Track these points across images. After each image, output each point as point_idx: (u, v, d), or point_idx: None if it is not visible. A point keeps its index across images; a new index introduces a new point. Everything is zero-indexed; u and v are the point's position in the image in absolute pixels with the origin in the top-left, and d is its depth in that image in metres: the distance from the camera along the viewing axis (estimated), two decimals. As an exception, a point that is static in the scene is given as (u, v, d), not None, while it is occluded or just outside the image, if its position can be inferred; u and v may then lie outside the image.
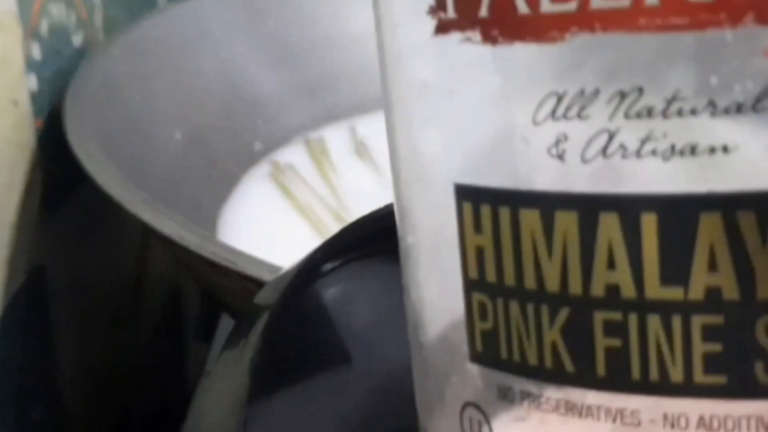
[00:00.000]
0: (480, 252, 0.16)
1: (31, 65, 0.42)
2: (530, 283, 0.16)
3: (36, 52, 0.43)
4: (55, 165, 0.43)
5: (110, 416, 0.50)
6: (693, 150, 0.14)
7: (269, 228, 0.47)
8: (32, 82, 0.42)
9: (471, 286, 0.17)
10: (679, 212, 0.14)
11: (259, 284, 0.32)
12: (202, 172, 0.48)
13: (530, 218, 0.16)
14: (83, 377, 0.47)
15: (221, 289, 0.39)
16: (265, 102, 0.53)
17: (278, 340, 0.21)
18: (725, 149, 0.14)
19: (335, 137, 0.53)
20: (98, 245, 0.49)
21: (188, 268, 0.42)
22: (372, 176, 0.51)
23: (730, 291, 0.14)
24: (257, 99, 0.53)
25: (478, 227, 0.16)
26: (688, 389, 0.15)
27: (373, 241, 0.23)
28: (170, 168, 0.47)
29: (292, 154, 0.52)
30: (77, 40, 0.47)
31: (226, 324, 0.54)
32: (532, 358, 0.16)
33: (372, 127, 0.54)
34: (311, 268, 0.22)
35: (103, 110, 0.44)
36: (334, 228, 0.46)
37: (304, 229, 0.47)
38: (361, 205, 0.49)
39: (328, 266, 0.23)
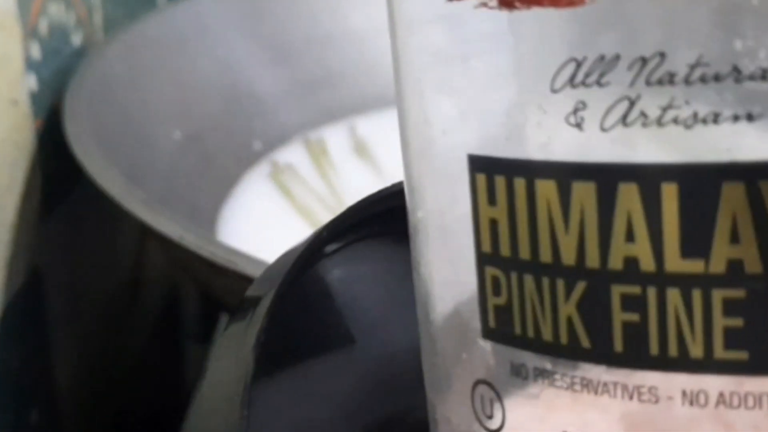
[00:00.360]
0: (494, 225, 0.16)
1: (30, 65, 0.42)
2: (546, 256, 0.15)
3: (35, 51, 0.43)
4: (54, 164, 0.43)
5: (107, 418, 0.50)
6: (716, 118, 0.14)
7: (268, 228, 0.47)
8: (31, 82, 0.42)
9: (484, 260, 0.16)
10: (701, 182, 0.14)
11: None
12: (201, 172, 0.48)
13: (546, 189, 0.15)
14: (80, 379, 0.47)
15: (220, 289, 0.39)
16: (265, 101, 0.53)
17: (282, 319, 0.21)
18: (749, 117, 0.14)
19: (335, 136, 0.53)
20: (96, 245, 0.49)
21: (187, 268, 0.42)
22: (372, 176, 0.51)
23: (753, 264, 0.14)
24: (256, 98, 0.53)
25: (492, 199, 0.16)
26: (708, 365, 0.14)
27: (378, 220, 0.23)
28: (169, 167, 0.46)
29: (292, 154, 0.52)
30: (76, 39, 0.47)
31: (224, 325, 0.54)
32: (547, 334, 0.15)
33: (372, 127, 0.54)
34: (316, 247, 0.22)
35: (102, 110, 0.44)
36: (333, 228, 0.46)
37: (304, 229, 0.47)
38: (360, 205, 0.49)
39: (332, 246, 0.23)
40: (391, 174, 0.50)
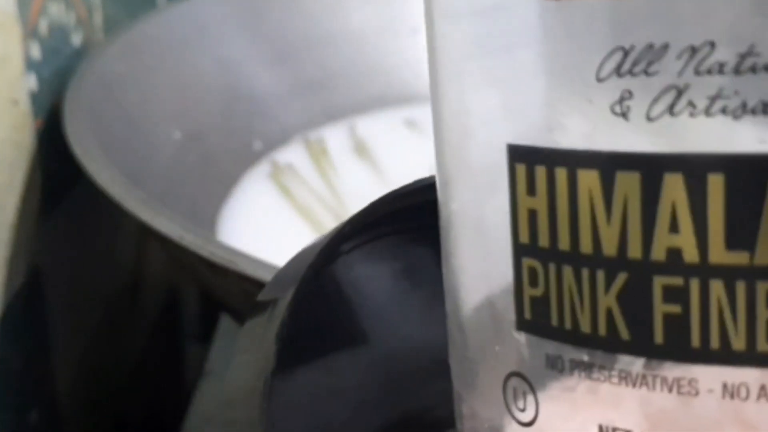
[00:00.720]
0: (533, 215, 0.16)
1: (30, 65, 0.42)
2: (586, 247, 0.15)
3: (35, 51, 0.43)
4: (55, 164, 0.43)
5: (107, 418, 0.50)
6: (765, 108, 0.14)
7: (269, 228, 0.47)
8: (32, 82, 0.42)
9: (522, 251, 0.16)
10: (748, 173, 0.14)
11: (258, 285, 0.32)
12: (201, 172, 0.48)
13: (589, 179, 0.15)
14: (80, 379, 0.47)
15: (220, 289, 0.39)
16: (265, 101, 0.53)
17: (303, 315, 0.21)
18: None
19: (335, 137, 0.53)
20: (96, 245, 0.49)
21: (187, 268, 0.42)
22: (372, 176, 0.51)
23: None
24: (256, 98, 0.53)
25: (531, 189, 0.16)
26: (751, 358, 0.14)
27: (399, 218, 0.23)
28: (169, 167, 0.46)
29: (292, 154, 0.52)
30: (76, 39, 0.47)
31: (224, 325, 0.54)
32: (585, 326, 0.15)
33: (372, 127, 0.54)
34: (337, 244, 0.22)
35: (102, 110, 0.44)
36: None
37: (304, 229, 0.47)
38: (360, 205, 0.49)
39: (350, 244, 0.23)
40: (391, 174, 0.50)
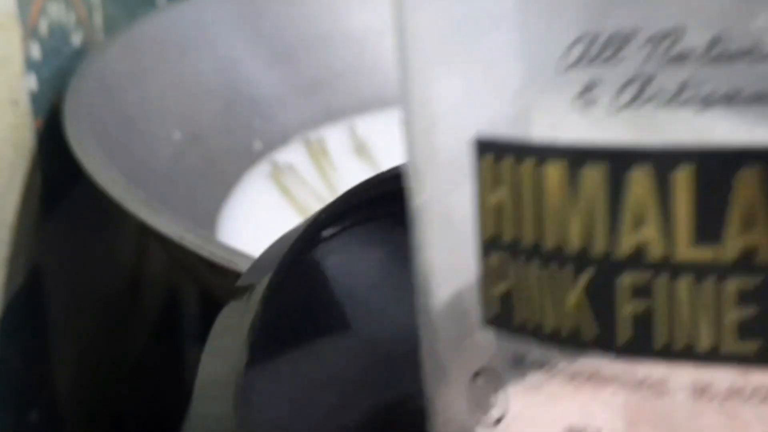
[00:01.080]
0: (499, 209, 0.15)
1: (30, 65, 0.42)
2: (552, 241, 0.15)
3: (35, 51, 0.43)
4: (54, 165, 0.43)
5: (107, 418, 0.50)
6: (732, 99, 0.13)
7: (269, 228, 0.47)
8: (31, 82, 0.42)
9: (487, 245, 0.16)
10: (717, 165, 0.13)
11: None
12: (201, 172, 0.48)
13: (555, 173, 0.15)
14: (80, 379, 0.47)
15: (220, 289, 0.39)
16: (265, 101, 0.53)
17: (279, 304, 0.20)
18: (766, 98, 0.13)
19: (335, 137, 0.53)
20: (96, 245, 0.49)
21: (187, 268, 0.42)
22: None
23: (766, 251, 0.13)
24: (256, 98, 0.53)
25: (497, 182, 0.15)
26: (719, 356, 0.14)
27: (376, 204, 0.22)
28: (169, 167, 0.46)
29: (292, 154, 0.52)
30: (76, 39, 0.47)
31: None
32: (551, 323, 0.15)
33: (372, 127, 0.53)
34: (313, 232, 0.22)
35: (102, 110, 0.44)
36: (333, 228, 0.46)
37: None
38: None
39: (330, 230, 0.23)
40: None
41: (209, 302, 0.55)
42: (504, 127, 0.15)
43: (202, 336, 0.62)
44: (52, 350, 0.45)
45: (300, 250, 0.21)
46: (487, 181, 0.15)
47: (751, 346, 0.14)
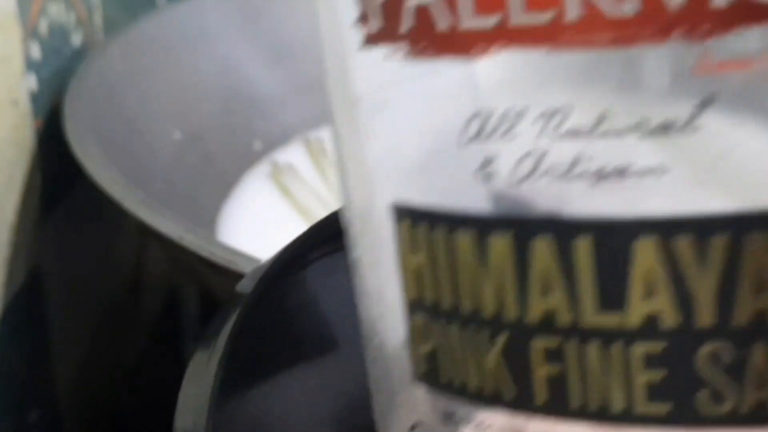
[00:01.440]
0: (419, 272, 0.16)
1: (30, 65, 0.42)
2: (467, 306, 0.15)
3: (35, 51, 0.43)
4: (54, 164, 0.43)
5: (107, 418, 0.50)
6: (623, 172, 0.14)
7: (268, 228, 0.47)
8: (32, 82, 0.42)
9: (411, 306, 0.16)
10: (614, 237, 0.14)
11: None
12: (201, 172, 0.48)
13: (464, 240, 0.15)
14: (80, 379, 0.47)
15: (220, 289, 0.39)
16: (265, 101, 0.53)
17: (254, 330, 0.20)
18: (657, 171, 0.13)
19: (335, 137, 0.53)
20: (96, 245, 0.49)
21: (187, 268, 0.42)
22: (371, 176, 0.51)
23: (669, 318, 0.14)
24: (256, 98, 0.53)
25: (415, 247, 0.15)
26: (630, 418, 0.14)
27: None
28: (169, 167, 0.46)
29: (292, 154, 0.52)
30: (76, 39, 0.47)
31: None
32: (474, 382, 0.15)
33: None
34: (291, 257, 0.22)
35: (102, 110, 0.44)
36: (333, 228, 0.46)
37: (304, 229, 0.47)
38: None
39: (313, 255, 0.23)
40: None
41: (209, 302, 0.55)
42: (418, 193, 0.15)
43: (201, 336, 0.62)
44: (52, 350, 0.45)
45: (277, 274, 0.21)
46: (406, 245, 0.16)
47: (662, 407, 0.14)
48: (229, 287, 0.36)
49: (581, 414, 0.14)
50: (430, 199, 0.15)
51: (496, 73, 0.14)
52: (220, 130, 0.51)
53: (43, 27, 0.43)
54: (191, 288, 0.57)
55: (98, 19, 0.50)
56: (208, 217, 0.47)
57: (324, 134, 0.53)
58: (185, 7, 0.52)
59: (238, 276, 0.33)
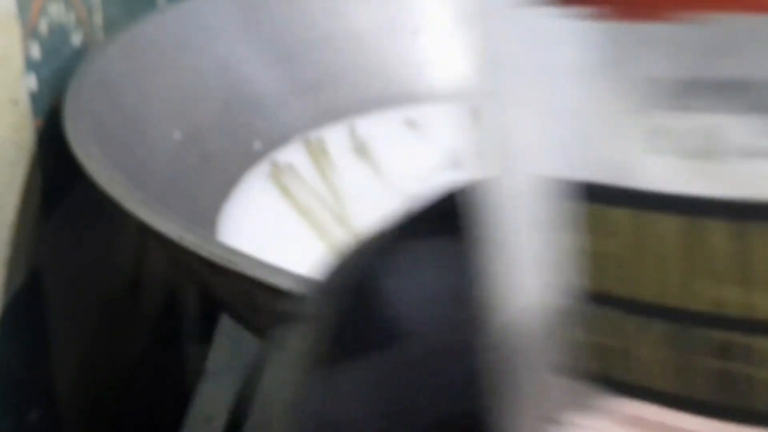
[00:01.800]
0: (574, 255, 0.14)
1: (30, 65, 0.42)
2: (626, 291, 0.14)
3: (35, 51, 0.43)
4: (54, 164, 0.43)
5: (107, 418, 0.50)
6: None
7: (268, 228, 0.47)
8: (31, 82, 0.42)
9: (563, 291, 0.15)
10: None
11: (258, 285, 0.32)
12: (201, 172, 0.48)
13: (625, 219, 0.14)
14: (80, 379, 0.47)
15: (220, 290, 0.39)
16: (265, 101, 0.53)
17: (346, 327, 0.20)
18: None
19: (335, 137, 0.53)
20: (96, 245, 0.49)
21: (187, 268, 0.42)
22: (372, 176, 0.51)
23: None
24: (256, 98, 0.53)
25: (572, 226, 0.14)
26: None
27: (446, 220, 0.22)
28: (169, 167, 0.46)
29: (292, 154, 0.52)
30: (76, 39, 0.47)
31: (224, 325, 0.54)
32: (627, 374, 0.14)
33: (372, 127, 0.53)
34: (392, 238, 0.21)
35: (102, 110, 0.44)
36: (333, 228, 0.46)
37: (304, 229, 0.47)
38: (360, 205, 0.49)
39: (402, 241, 0.22)
40: (391, 174, 0.50)
41: (209, 302, 0.55)
42: (578, 168, 0.14)
43: (202, 336, 0.62)
44: (52, 350, 0.45)
45: (376, 255, 0.21)
46: (561, 224, 0.15)
47: None
48: (229, 287, 0.36)
49: (748, 415, 0.13)
50: (593, 173, 0.14)
51: (684, 39, 0.13)
52: (220, 129, 0.51)
53: (43, 27, 0.43)
54: (191, 288, 0.57)
55: (98, 19, 0.50)
56: (208, 217, 0.47)
57: (324, 134, 0.53)
58: (185, 7, 0.52)
59: (238, 276, 0.34)
